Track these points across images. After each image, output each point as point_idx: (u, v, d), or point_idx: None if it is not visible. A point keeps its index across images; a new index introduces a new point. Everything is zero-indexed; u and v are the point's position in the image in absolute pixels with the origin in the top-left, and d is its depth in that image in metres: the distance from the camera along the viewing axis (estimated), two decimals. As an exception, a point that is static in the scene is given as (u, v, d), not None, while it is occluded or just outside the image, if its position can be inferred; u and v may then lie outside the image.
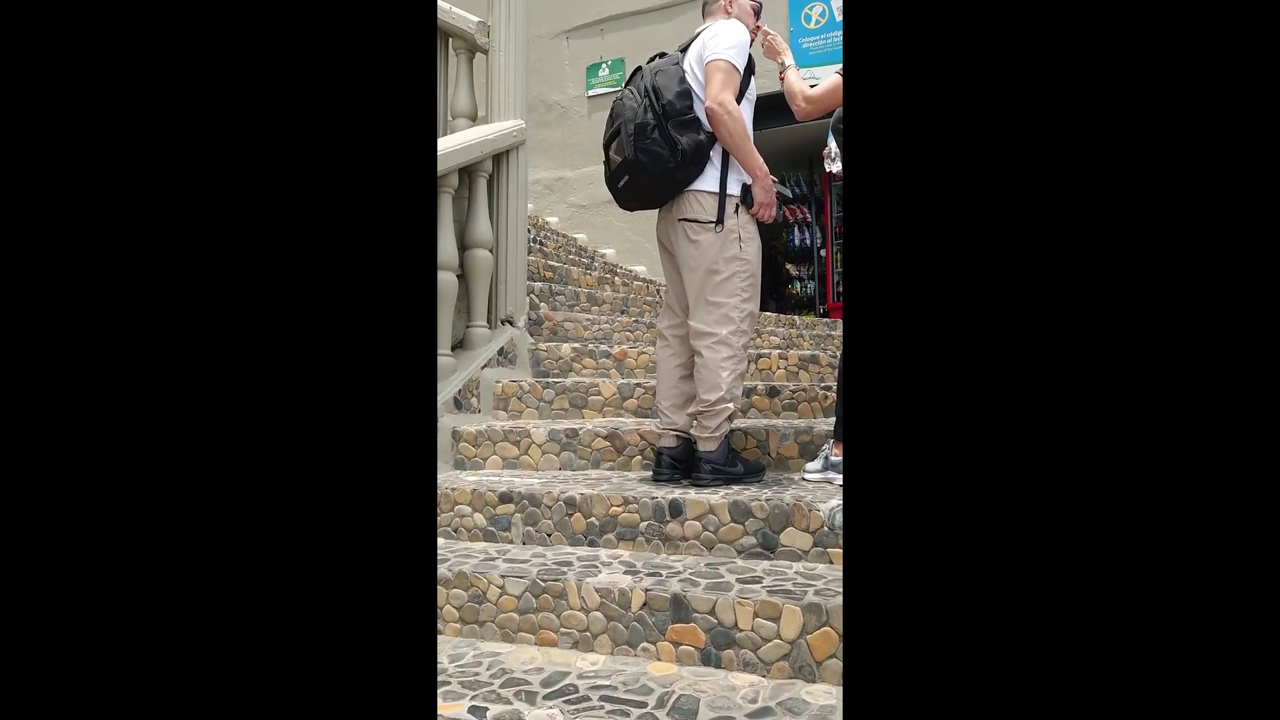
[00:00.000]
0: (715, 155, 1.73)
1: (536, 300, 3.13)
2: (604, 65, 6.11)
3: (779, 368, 2.96)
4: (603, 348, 2.80)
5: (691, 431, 1.83)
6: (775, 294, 6.99)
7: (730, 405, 1.77)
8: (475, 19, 2.82)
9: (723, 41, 1.72)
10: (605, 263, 5.18)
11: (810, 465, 1.86)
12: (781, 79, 1.91)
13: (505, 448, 2.19)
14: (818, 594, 1.30)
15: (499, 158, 2.71)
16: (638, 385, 2.45)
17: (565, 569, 1.52)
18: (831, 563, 1.50)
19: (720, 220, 1.73)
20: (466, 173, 2.57)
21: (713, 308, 1.76)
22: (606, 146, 1.81)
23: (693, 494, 1.65)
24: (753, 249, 1.79)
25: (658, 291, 4.28)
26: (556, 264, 3.68)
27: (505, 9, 2.82)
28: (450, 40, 2.89)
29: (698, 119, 1.71)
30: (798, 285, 7.01)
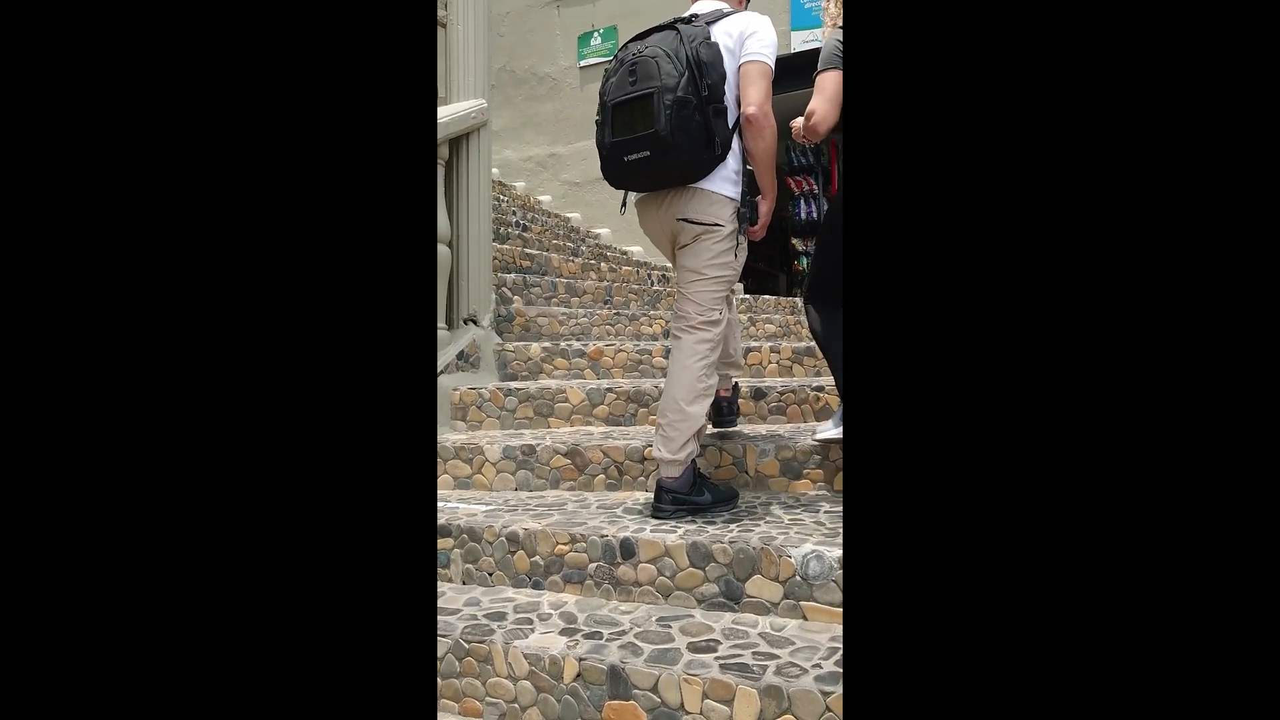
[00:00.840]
0: (731, 157, 1.53)
1: (509, 294, 2.92)
2: (596, 34, 5.80)
3: (770, 362, 2.74)
4: (577, 345, 2.59)
5: (649, 451, 1.62)
6: (785, 269, 6.71)
7: (701, 420, 1.57)
8: (430, -12, 2.56)
9: (763, 42, 1.52)
10: (597, 244, 4.95)
11: (823, 425, 1.78)
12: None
13: (456, 466, 1.99)
14: (779, 671, 1.10)
15: (457, 142, 2.48)
16: (609, 390, 2.24)
17: (496, 624, 1.33)
18: (805, 618, 1.29)
19: (735, 226, 1.55)
20: (420, 159, 2.34)
21: (690, 304, 1.59)
22: (616, 106, 1.49)
23: (647, 533, 1.45)
24: (742, 259, 1.62)
25: (649, 276, 4.05)
26: (535, 251, 3.45)
27: (463, -24, 2.56)
28: (407, 12, 2.64)
29: (726, 110, 1.50)
30: (804, 261, 6.73)
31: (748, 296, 4.04)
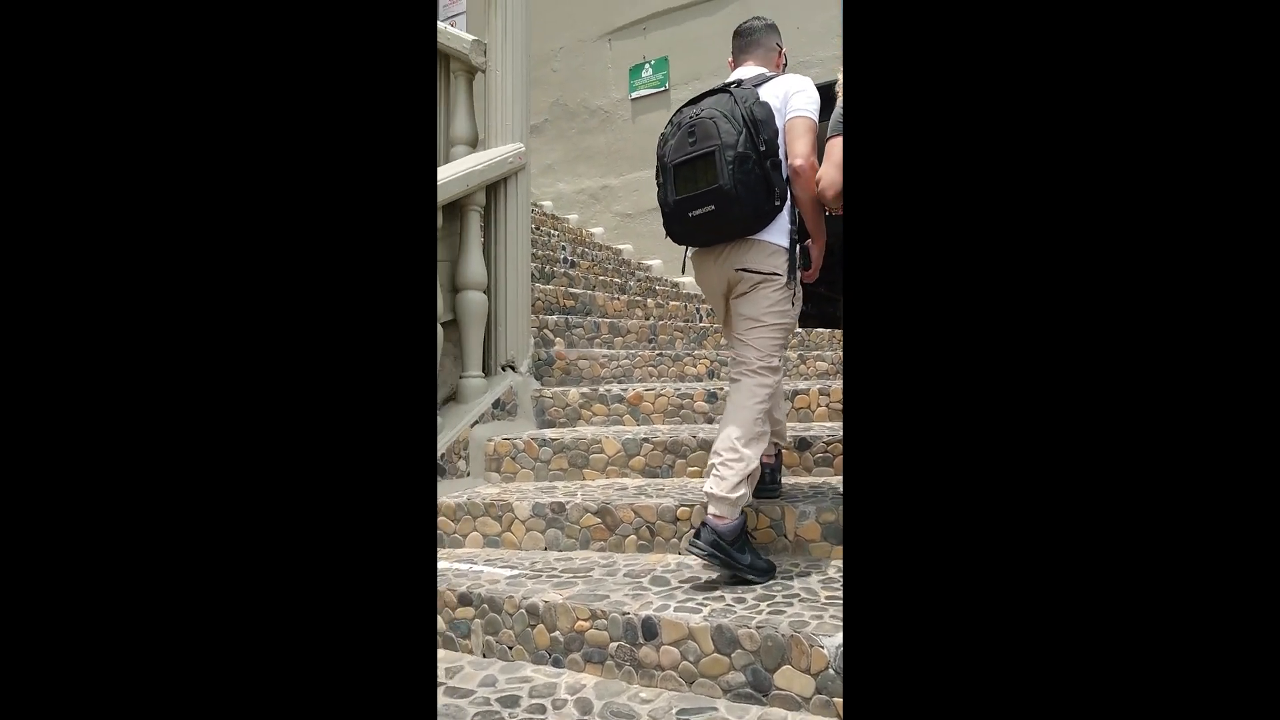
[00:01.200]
0: (785, 208, 1.61)
1: (550, 335, 2.89)
2: (647, 65, 5.81)
3: (818, 405, 2.60)
4: (616, 390, 2.53)
5: (705, 487, 1.54)
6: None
7: (755, 463, 1.54)
8: (470, 38, 2.59)
9: (808, 99, 1.62)
10: (647, 276, 4.90)
11: None
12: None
13: (486, 523, 1.94)
14: (802, 788, 0.99)
15: (495, 188, 2.47)
16: (645, 440, 2.17)
17: (508, 711, 1.26)
18: (839, 717, 1.18)
19: (790, 276, 1.60)
20: (457, 207, 2.34)
21: (750, 350, 1.62)
22: (678, 166, 1.57)
23: (671, 612, 1.35)
24: (798, 308, 1.68)
25: (696, 311, 3.97)
26: (580, 290, 3.42)
27: (503, 25, 2.58)
28: (450, 63, 2.68)
29: (780, 164, 1.58)
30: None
31: (800, 331, 3.91)
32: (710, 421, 2.45)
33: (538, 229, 4.56)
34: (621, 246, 5.57)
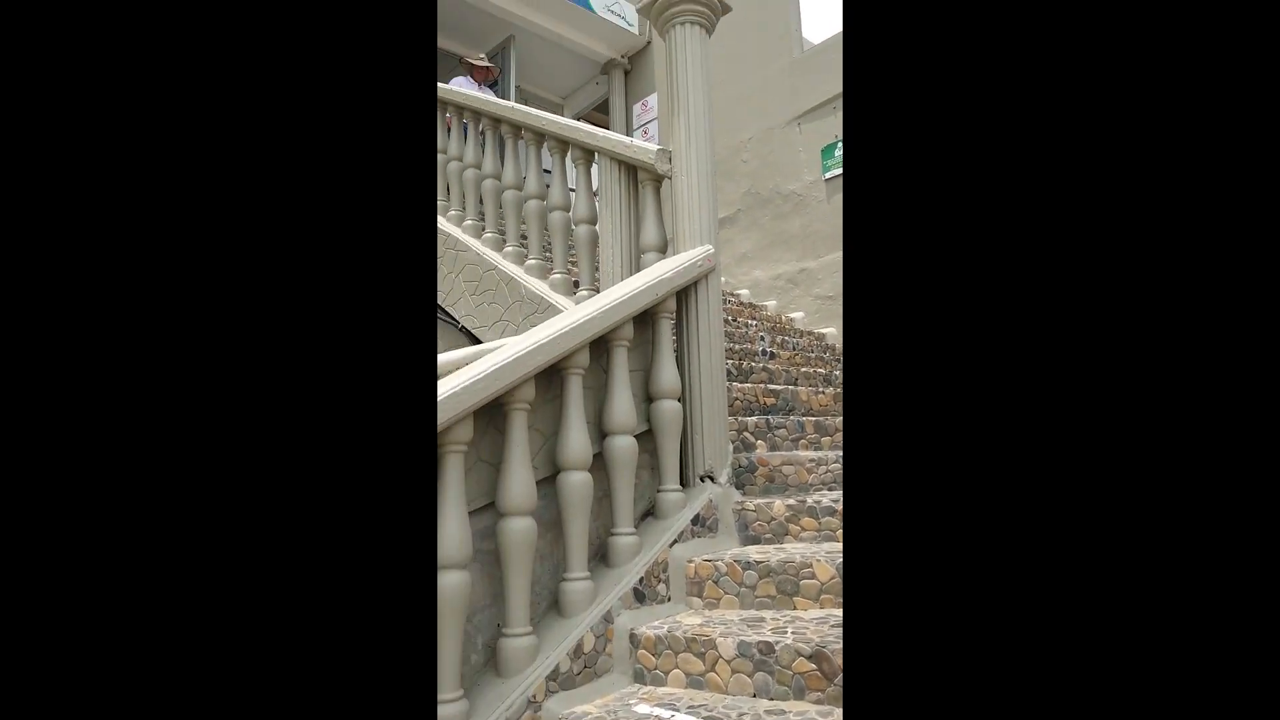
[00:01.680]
0: None
1: (751, 438, 2.72)
2: (839, 144, 5.65)
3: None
4: (827, 501, 2.27)
5: None
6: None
7: None
8: (655, 148, 2.63)
9: None
10: (855, 362, 4.57)
11: None
12: None
13: (688, 660, 1.77)
14: None
15: (685, 293, 2.42)
16: (864, 565, 1.89)
17: None
18: None
19: None
20: (648, 315, 2.31)
21: None
22: None
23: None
24: None
25: (914, 399, 3.58)
26: (780, 386, 3.23)
27: (686, 130, 2.59)
28: (638, 173, 2.75)
29: None
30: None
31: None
32: (942, 537, 2.10)
33: (734, 319, 4.48)
34: (824, 330, 5.30)
